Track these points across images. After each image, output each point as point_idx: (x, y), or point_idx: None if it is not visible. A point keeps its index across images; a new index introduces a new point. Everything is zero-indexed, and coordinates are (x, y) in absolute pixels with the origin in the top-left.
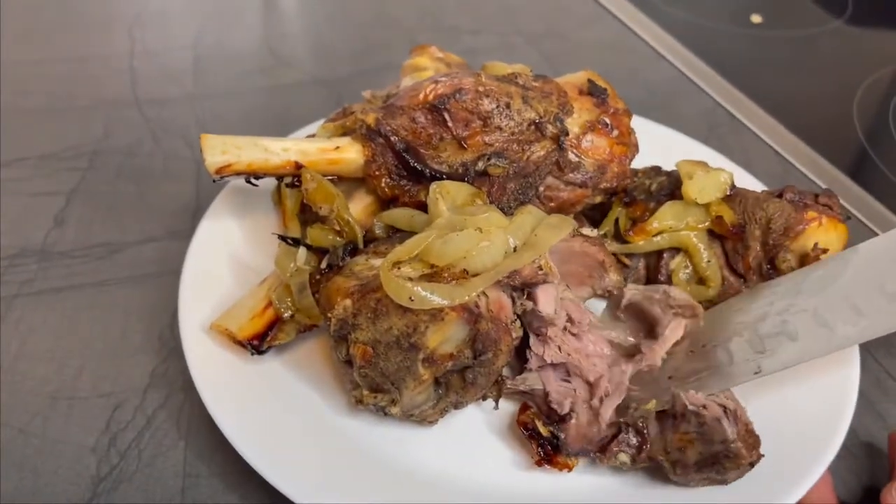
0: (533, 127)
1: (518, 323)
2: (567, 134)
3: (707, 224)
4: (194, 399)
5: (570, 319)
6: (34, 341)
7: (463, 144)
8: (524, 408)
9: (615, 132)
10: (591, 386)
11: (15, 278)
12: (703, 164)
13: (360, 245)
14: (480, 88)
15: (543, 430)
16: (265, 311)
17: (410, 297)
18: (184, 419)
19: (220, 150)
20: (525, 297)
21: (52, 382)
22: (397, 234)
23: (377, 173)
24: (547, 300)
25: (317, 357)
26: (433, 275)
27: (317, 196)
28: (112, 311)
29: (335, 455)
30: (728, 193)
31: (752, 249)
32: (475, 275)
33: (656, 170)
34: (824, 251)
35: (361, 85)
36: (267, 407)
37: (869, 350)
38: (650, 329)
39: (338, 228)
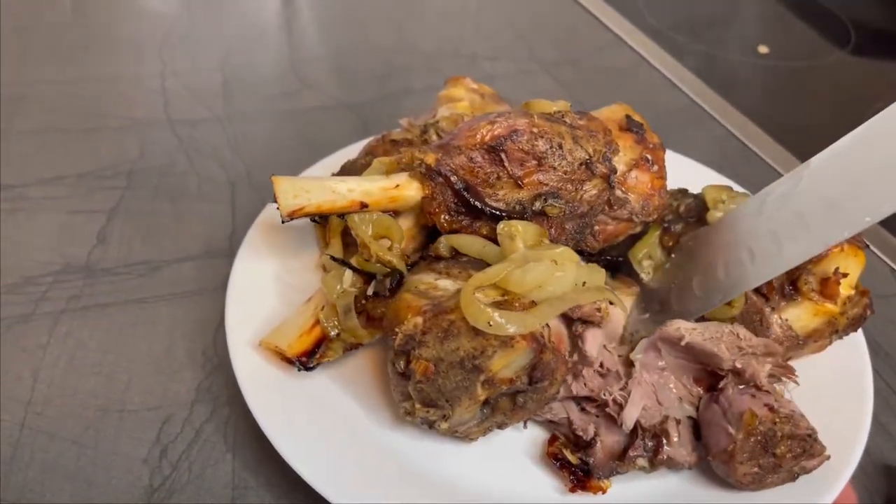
0: (584, 167)
1: (575, 356)
2: (616, 172)
3: None
4: (240, 413)
5: (602, 364)
6: (82, 356)
7: (519, 183)
8: (553, 439)
9: (655, 167)
10: (611, 419)
11: (61, 294)
12: (729, 190)
13: (404, 272)
14: (535, 129)
15: (572, 459)
16: (312, 329)
17: (489, 323)
18: (230, 432)
19: (292, 195)
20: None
21: (102, 396)
22: (464, 259)
23: (436, 210)
24: (594, 343)
25: (360, 373)
26: (503, 302)
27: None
28: (156, 327)
29: (378, 467)
30: None
31: None
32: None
33: (683, 192)
34: (844, 275)
35: (385, 109)
36: (313, 420)
37: (879, 374)
38: (702, 366)
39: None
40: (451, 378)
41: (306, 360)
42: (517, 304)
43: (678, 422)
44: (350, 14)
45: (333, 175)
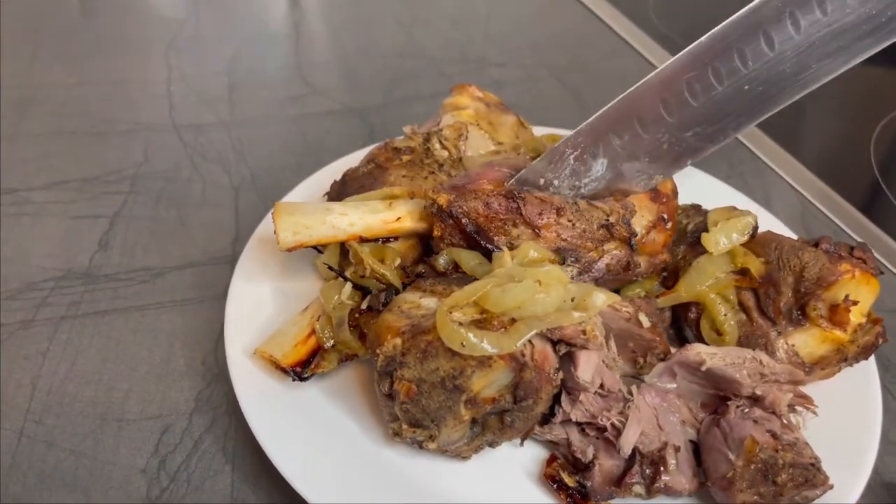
0: (603, 228)
1: (560, 374)
2: (636, 235)
3: (733, 279)
4: (239, 423)
5: (602, 385)
6: (82, 363)
7: (537, 232)
8: (551, 459)
9: (669, 223)
10: (610, 442)
11: (62, 300)
12: (733, 211)
13: (400, 290)
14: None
15: (569, 481)
16: (308, 339)
17: (462, 343)
18: (230, 443)
19: (291, 232)
20: (565, 353)
21: (101, 404)
22: (454, 276)
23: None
24: (587, 367)
25: (356, 385)
26: (483, 321)
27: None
28: (156, 335)
29: (374, 482)
30: (749, 236)
31: (783, 295)
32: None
33: (696, 208)
34: (854, 303)
35: (392, 114)
36: (309, 433)
37: (890, 391)
38: (715, 391)
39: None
40: (434, 398)
41: (301, 371)
42: (496, 323)
43: (677, 449)
44: (357, 17)
45: (334, 182)
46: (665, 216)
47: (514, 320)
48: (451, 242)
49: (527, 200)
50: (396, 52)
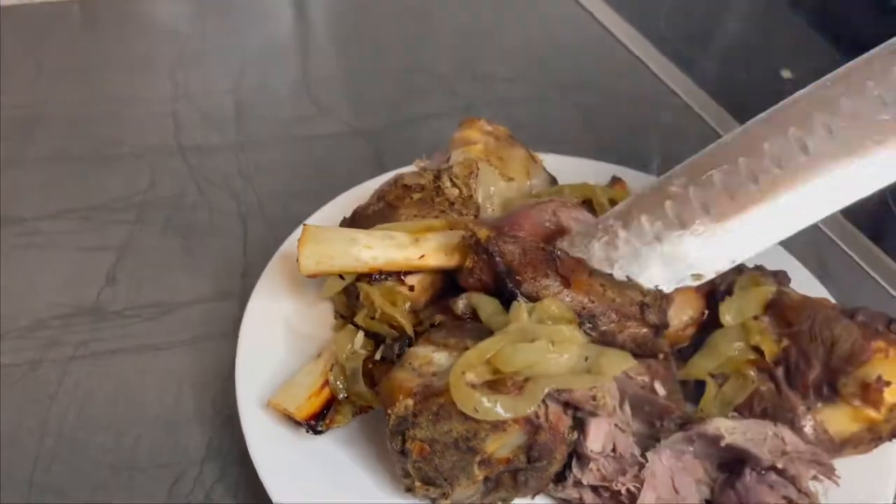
0: (637, 307)
1: (575, 433)
2: (667, 328)
3: (746, 359)
4: (250, 473)
5: (614, 449)
6: (91, 408)
7: (568, 283)
8: None
9: (706, 314)
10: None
11: (70, 339)
12: (759, 276)
13: (413, 338)
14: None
15: None
16: (322, 390)
17: (475, 408)
18: (241, 494)
19: (314, 261)
20: (576, 420)
21: (111, 451)
22: (468, 325)
23: (470, 286)
24: (597, 435)
25: (369, 434)
26: (496, 382)
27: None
28: (165, 377)
29: None
30: (764, 309)
31: (813, 369)
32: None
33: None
34: (887, 384)
35: (400, 137)
36: (321, 486)
37: None
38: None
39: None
40: (447, 458)
41: (315, 424)
42: (510, 384)
43: None
44: (364, 33)
45: (344, 219)
46: (706, 312)
47: (527, 379)
48: (479, 278)
49: (564, 259)
50: (404, 67)
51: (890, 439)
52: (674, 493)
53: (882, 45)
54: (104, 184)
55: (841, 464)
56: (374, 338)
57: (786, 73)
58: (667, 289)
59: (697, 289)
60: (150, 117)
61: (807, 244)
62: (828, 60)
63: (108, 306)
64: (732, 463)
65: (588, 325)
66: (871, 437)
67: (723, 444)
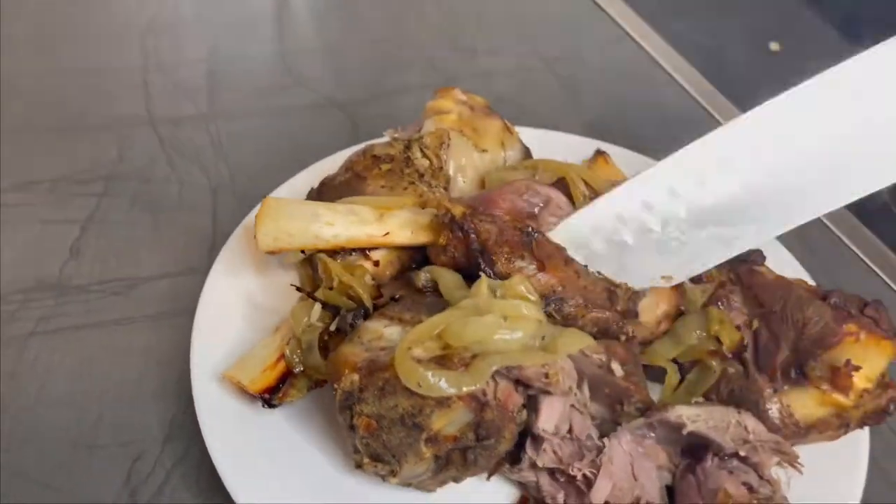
0: (606, 293)
1: (525, 413)
2: (635, 316)
3: (707, 348)
4: None
5: (570, 430)
6: (52, 384)
7: (543, 267)
8: (523, 501)
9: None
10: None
11: (31, 314)
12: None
13: (370, 310)
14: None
15: None
16: (277, 363)
17: (419, 383)
18: (203, 475)
19: (273, 237)
20: (529, 400)
21: (72, 429)
22: (427, 299)
23: (441, 263)
24: (550, 415)
25: (325, 409)
26: (444, 357)
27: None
28: (129, 353)
29: None
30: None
31: (782, 351)
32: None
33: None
34: (857, 368)
35: (377, 109)
36: (272, 462)
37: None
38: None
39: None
40: (394, 434)
41: (269, 397)
42: (456, 360)
43: None
44: (343, 3)
45: (311, 190)
46: (683, 308)
47: (474, 356)
48: (452, 256)
49: (540, 242)
50: (384, 39)
51: (860, 426)
52: (632, 480)
53: None
54: (70, 156)
55: (811, 460)
56: (333, 310)
57: (774, 46)
58: (637, 287)
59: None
60: (119, 87)
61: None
62: (816, 33)
63: (71, 281)
64: (696, 449)
65: (553, 306)
66: (839, 423)
67: (685, 431)
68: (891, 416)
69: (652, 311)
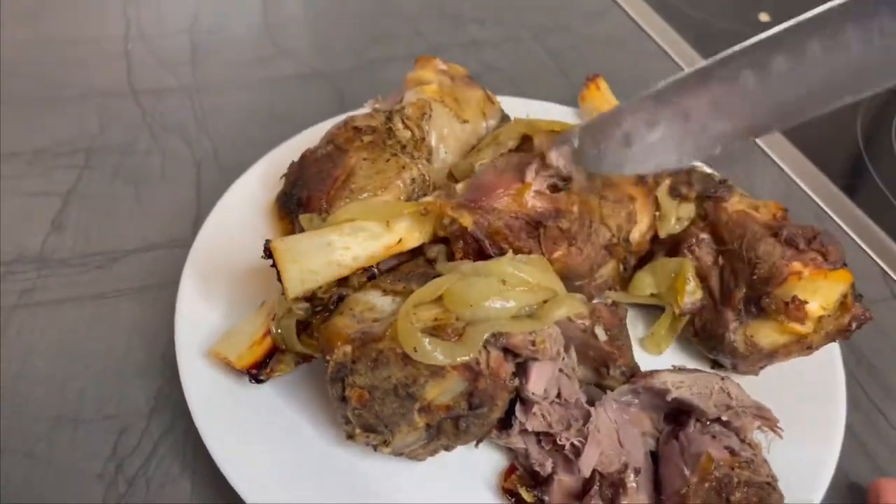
0: (605, 250)
1: (516, 380)
2: (631, 252)
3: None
4: None
5: (559, 394)
6: (35, 358)
7: (551, 252)
8: (510, 470)
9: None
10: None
11: (13, 287)
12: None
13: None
14: (574, 209)
15: (527, 496)
16: (263, 339)
17: (415, 348)
18: (190, 445)
19: (299, 281)
20: (518, 367)
21: (56, 404)
22: (419, 271)
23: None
24: (539, 379)
25: (312, 383)
26: (437, 328)
27: None
28: (113, 327)
29: (323, 483)
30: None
31: (740, 288)
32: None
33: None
34: (805, 303)
35: (362, 79)
36: (260, 435)
37: (861, 385)
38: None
39: None
40: (387, 405)
41: (256, 373)
42: (450, 331)
43: (637, 471)
44: None
45: (292, 163)
46: (657, 214)
47: (467, 326)
48: (466, 254)
49: (548, 231)
50: (370, 8)
51: (825, 344)
52: (618, 447)
53: None
54: (51, 127)
55: (789, 423)
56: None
57: (764, 17)
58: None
59: (645, 191)
60: (100, 58)
61: (771, 194)
62: (805, 4)
63: (53, 254)
64: (678, 415)
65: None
66: (803, 346)
67: (669, 398)
68: (853, 332)
69: (637, 230)
